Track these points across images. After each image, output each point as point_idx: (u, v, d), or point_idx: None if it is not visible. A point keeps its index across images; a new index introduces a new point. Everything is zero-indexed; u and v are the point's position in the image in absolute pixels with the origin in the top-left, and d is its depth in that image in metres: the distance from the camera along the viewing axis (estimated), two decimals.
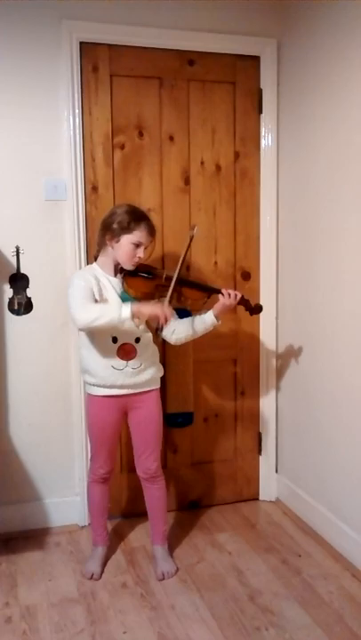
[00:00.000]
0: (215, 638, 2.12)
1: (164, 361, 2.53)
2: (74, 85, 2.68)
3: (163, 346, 2.53)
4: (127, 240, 2.29)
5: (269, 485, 3.19)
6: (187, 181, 2.92)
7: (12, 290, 2.73)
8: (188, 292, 2.38)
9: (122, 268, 2.34)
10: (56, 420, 2.86)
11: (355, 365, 2.47)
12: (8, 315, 2.74)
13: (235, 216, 3.01)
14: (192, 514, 3.05)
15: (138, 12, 2.72)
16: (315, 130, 2.67)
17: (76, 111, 2.69)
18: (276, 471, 3.19)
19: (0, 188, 2.67)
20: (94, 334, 2.36)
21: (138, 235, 2.29)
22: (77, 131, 2.71)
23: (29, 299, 2.76)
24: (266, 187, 3.01)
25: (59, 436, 2.87)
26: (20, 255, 2.71)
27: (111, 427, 2.46)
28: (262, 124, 2.98)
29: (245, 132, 2.97)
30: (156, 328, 2.28)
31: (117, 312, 2.18)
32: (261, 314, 2.68)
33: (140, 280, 2.34)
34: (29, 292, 2.75)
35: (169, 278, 2.29)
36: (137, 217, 2.31)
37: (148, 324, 2.42)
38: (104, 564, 2.57)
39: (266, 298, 3.03)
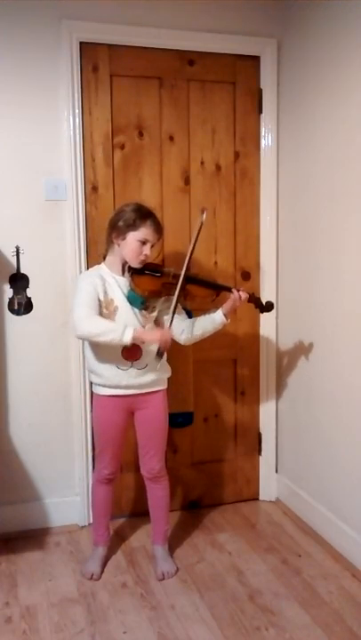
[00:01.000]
0: (215, 638, 2.12)
1: (165, 361, 2.52)
2: (74, 85, 2.68)
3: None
4: (133, 237, 2.30)
5: (269, 485, 3.19)
6: (187, 181, 2.92)
7: (12, 290, 2.73)
8: (197, 289, 2.38)
9: (129, 266, 2.34)
10: (56, 419, 2.86)
11: (355, 365, 2.47)
12: (8, 315, 2.74)
13: (235, 216, 3.01)
14: (192, 514, 3.05)
15: (138, 12, 2.72)
16: (315, 130, 2.67)
17: (76, 111, 2.70)
18: (276, 471, 3.19)
19: (0, 188, 2.67)
20: None
21: (144, 232, 2.30)
22: (77, 131, 2.71)
23: (29, 299, 2.76)
24: (266, 187, 3.01)
25: (59, 436, 2.87)
26: (20, 255, 2.71)
27: (116, 426, 2.45)
28: (262, 123, 2.98)
29: (245, 131, 2.97)
30: (157, 353, 2.30)
31: (120, 334, 2.21)
32: (267, 312, 2.67)
33: (148, 278, 2.34)
34: (29, 292, 2.75)
35: (176, 276, 2.29)
36: (143, 214, 2.31)
37: (156, 321, 2.42)
38: (104, 565, 2.57)
39: (266, 298, 3.01)
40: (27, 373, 2.79)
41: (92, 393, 2.53)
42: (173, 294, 2.26)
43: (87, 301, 2.27)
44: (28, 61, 2.64)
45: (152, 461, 2.50)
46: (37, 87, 2.66)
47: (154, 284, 2.33)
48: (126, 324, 2.25)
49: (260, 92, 2.96)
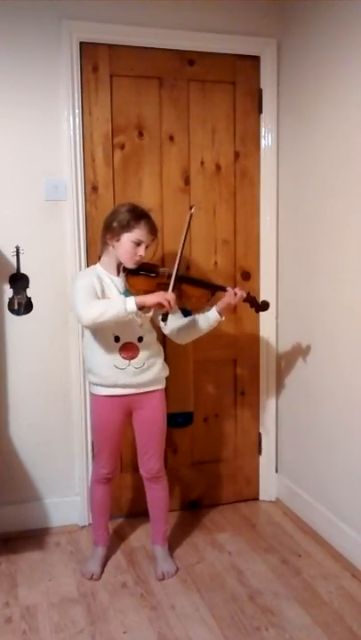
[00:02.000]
0: (215, 638, 2.12)
1: (165, 360, 2.53)
2: (74, 85, 2.68)
3: (163, 345, 2.53)
4: (127, 238, 2.29)
5: (269, 485, 3.19)
6: (187, 181, 2.92)
7: (12, 290, 2.73)
8: (192, 289, 2.38)
9: (124, 267, 2.34)
10: (56, 420, 2.86)
11: (355, 365, 2.47)
12: (8, 315, 2.74)
13: (235, 216, 3.01)
14: (192, 514, 3.05)
15: (138, 12, 2.72)
16: (315, 130, 2.67)
17: (76, 111, 2.70)
18: (276, 471, 3.19)
19: (0, 188, 2.67)
20: (97, 334, 2.36)
21: (138, 233, 2.29)
22: (77, 131, 2.71)
23: (29, 299, 2.76)
24: (266, 187, 3.01)
25: (59, 436, 2.87)
26: (20, 255, 2.71)
27: (114, 427, 2.45)
28: (262, 124, 2.98)
29: (245, 131, 2.97)
30: (162, 318, 2.27)
31: (122, 305, 2.18)
32: (262, 313, 2.68)
33: (143, 279, 2.34)
34: (29, 292, 2.75)
35: (171, 276, 2.29)
36: (137, 215, 2.31)
37: (152, 321, 2.42)
38: (104, 565, 2.57)
39: (266, 298, 3.01)
40: (27, 373, 2.79)
41: (91, 393, 2.52)
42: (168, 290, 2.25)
43: (85, 293, 2.27)
44: (28, 61, 2.64)
45: (151, 461, 2.50)
46: (37, 87, 2.66)
47: (149, 284, 2.33)
48: (125, 297, 2.23)
49: (260, 92, 2.96)
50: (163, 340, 2.51)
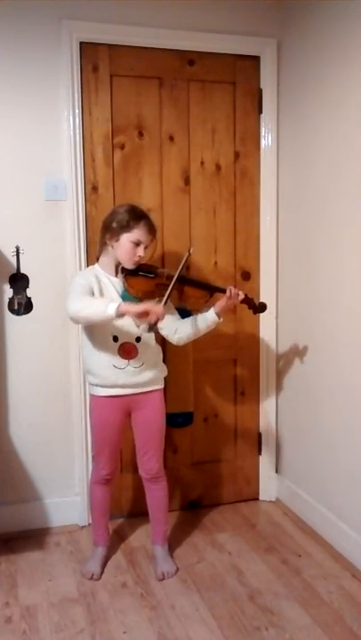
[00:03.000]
0: (215, 638, 2.12)
1: (163, 361, 2.53)
2: (74, 85, 2.68)
3: (163, 346, 2.53)
4: (126, 239, 2.29)
5: (269, 485, 3.19)
6: (187, 181, 2.92)
7: (12, 290, 2.73)
8: (190, 290, 2.38)
9: (123, 267, 2.34)
10: (56, 420, 2.86)
11: (355, 365, 2.47)
12: (8, 315, 2.74)
13: (235, 216, 3.01)
14: (192, 514, 3.05)
15: (138, 12, 2.72)
16: (315, 130, 2.67)
17: (76, 111, 2.70)
18: (276, 471, 3.19)
19: (0, 188, 2.67)
20: (95, 333, 2.36)
21: (137, 233, 2.29)
22: (77, 131, 2.71)
23: (29, 299, 2.76)
24: (266, 187, 3.01)
25: (59, 436, 2.87)
26: (20, 255, 2.71)
27: (113, 427, 2.45)
28: (262, 124, 2.98)
29: (245, 132, 2.97)
30: (148, 329, 2.20)
31: (104, 307, 2.15)
32: (262, 314, 2.68)
33: (141, 279, 2.34)
34: (29, 292, 2.75)
35: (170, 277, 2.29)
36: (136, 215, 2.31)
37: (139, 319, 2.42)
38: (104, 565, 2.57)
39: (266, 298, 3.02)
40: (27, 373, 2.79)
41: (90, 394, 2.52)
42: (165, 296, 2.25)
43: (79, 290, 2.27)
44: (28, 61, 2.64)
45: (150, 462, 2.50)
46: (37, 87, 2.66)
47: (148, 284, 2.32)
48: (113, 299, 2.22)
49: (260, 92, 2.96)
50: (162, 340, 2.51)
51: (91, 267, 2.47)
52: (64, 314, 2.73)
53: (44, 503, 2.88)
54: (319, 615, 2.23)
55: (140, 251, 2.31)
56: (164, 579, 2.48)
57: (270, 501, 3.18)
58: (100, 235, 2.40)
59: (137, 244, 2.30)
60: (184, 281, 2.37)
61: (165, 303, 2.21)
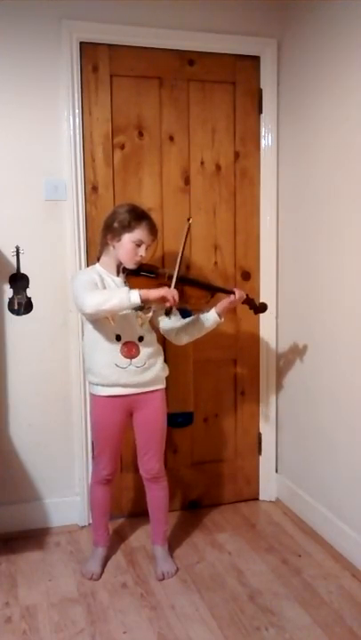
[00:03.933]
0: (215, 638, 2.12)
1: (164, 360, 2.53)
2: (74, 85, 2.68)
3: (163, 345, 2.53)
4: (128, 239, 2.29)
5: (269, 485, 3.19)
6: (187, 181, 2.92)
7: (12, 290, 2.73)
8: (191, 290, 2.38)
9: (124, 267, 2.34)
10: (56, 420, 2.86)
11: (355, 365, 2.47)
12: (8, 315, 2.74)
13: (235, 216, 3.01)
14: (192, 514, 3.05)
15: (138, 12, 2.72)
16: (315, 130, 2.67)
17: (76, 111, 2.70)
18: (276, 471, 3.19)
19: (0, 188, 2.67)
20: (98, 332, 2.35)
21: (139, 233, 2.29)
22: (77, 131, 2.71)
23: (29, 299, 2.76)
24: (266, 187, 3.01)
25: (59, 436, 2.87)
26: (20, 255, 2.71)
27: (115, 427, 2.45)
28: (262, 124, 2.98)
29: (245, 131, 2.97)
30: (165, 312, 2.24)
31: (126, 295, 2.16)
32: (262, 314, 2.68)
33: (143, 279, 2.33)
34: (29, 292, 2.75)
35: (171, 277, 2.29)
36: (138, 215, 2.31)
37: (152, 322, 2.42)
38: (104, 565, 2.57)
39: (266, 298, 3.02)
40: (27, 373, 2.79)
41: (91, 394, 2.52)
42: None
43: (87, 285, 2.27)
44: (28, 61, 2.64)
45: (151, 462, 2.50)
46: (37, 87, 2.66)
47: (149, 284, 2.32)
48: (129, 289, 2.21)
49: (260, 92, 2.96)
50: (162, 340, 2.51)
51: (91, 266, 2.47)
52: (64, 314, 2.76)
53: (44, 503, 2.88)
54: (319, 615, 2.23)
55: (142, 251, 2.31)
56: (164, 579, 2.48)
57: (270, 501, 3.18)
58: (100, 235, 2.40)
59: (138, 244, 2.30)
60: (185, 280, 2.37)
61: (175, 285, 2.23)
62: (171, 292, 2.19)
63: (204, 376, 3.06)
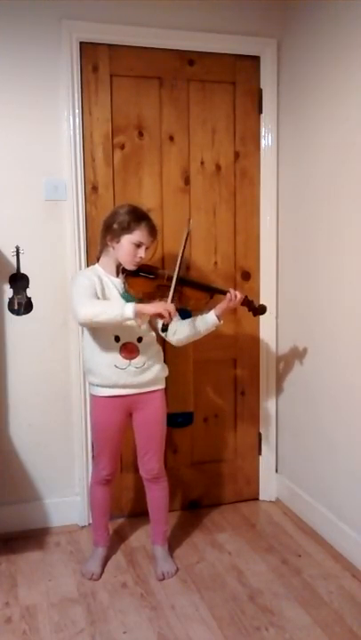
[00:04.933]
0: (215, 638, 2.12)
1: (164, 361, 2.53)
2: (74, 85, 2.68)
3: (163, 346, 2.53)
4: (128, 240, 2.29)
5: (269, 485, 3.19)
6: (187, 181, 2.92)
7: (12, 290, 2.73)
8: (190, 292, 2.38)
9: (123, 268, 2.34)
10: (56, 420, 2.86)
11: (355, 365, 2.47)
12: (8, 315, 2.74)
13: (235, 216, 3.01)
14: (192, 514, 3.05)
15: (138, 12, 2.72)
16: (315, 130, 2.67)
17: (76, 111, 2.70)
18: (276, 471, 3.19)
19: (0, 188, 2.67)
20: (96, 333, 2.36)
21: (138, 235, 2.29)
22: (77, 131, 2.71)
23: (29, 299, 2.76)
24: (266, 187, 3.01)
25: (59, 437, 2.87)
26: (20, 255, 2.71)
27: (114, 428, 2.45)
28: (262, 124, 2.98)
29: (245, 132, 2.97)
30: (162, 329, 2.27)
31: (120, 310, 2.17)
32: (261, 315, 2.68)
33: (142, 280, 2.34)
34: (29, 292, 2.75)
35: (171, 278, 2.29)
36: (137, 217, 2.31)
37: (151, 323, 2.42)
38: (104, 565, 2.57)
39: (266, 298, 3.03)
40: (27, 373, 2.79)
41: (91, 394, 2.52)
42: (167, 296, 2.25)
43: (85, 291, 2.27)
44: (28, 61, 2.64)
45: (151, 462, 2.50)
46: (37, 87, 2.66)
47: (148, 285, 2.33)
48: (125, 302, 2.22)
49: (260, 92, 2.96)
50: (162, 340, 2.51)
51: (91, 267, 2.47)
52: (64, 314, 2.75)
53: (44, 503, 2.88)
54: (319, 615, 2.23)
55: (141, 252, 2.31)
56: (164, 579, 2.48)
57: (270, 501, 3.18)
58: (100, 235, 2.40)
59: (138, 245, 2.30)
60: (184, 282, 2.37)
61: (172, 300, 2.23)
62: (167, 309, 2.19)
63: (204, 376, 3.06)
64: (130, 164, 2.84)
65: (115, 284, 2.36)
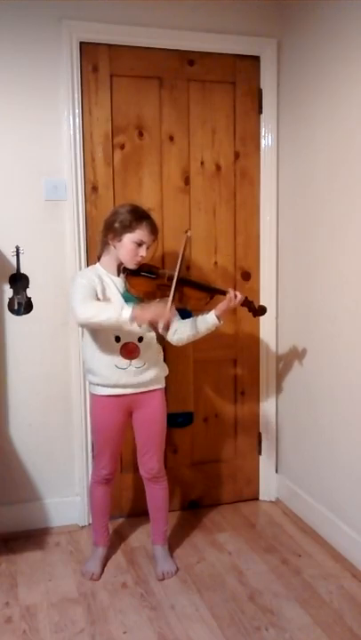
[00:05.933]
0: (215, 638, 2.12)
1: (164, 361, 2.53)
2: (74, 85, 2.68)
3: (163, 346, 2.53)
4: (129, 239, 2.30)
5: (269, 485, 3.19)
6: (187, 181, 2.92)
7: (12, 290, 2.73)
8: (191, 291, 2.38)
9: (124, 267, 2.35)
10: (56, 420, 2.86)
11: (355, 365, 2.47)
12: (8, 315, 2.74)
13: (235, 216, 3.01)
14: (192, 514, 3.05)
15: (138, 12, 2.72)
16: (315, 130, 2.67)
17: (76, 111, 2.70)
18: (276, 471, 3.19)
19: (0, 188, 2.67)
20: (97, 334, 2.36)
21: (139, 233, 2.30)
22: (77, 131, 2.71)
23: (29, 299, 2.76)
24: (266, 187, 3.01)
25: (59, 437, 2.87)
26: (20, 255, 2.72)
27: (115, 427, 2.45)
28: (262, 124, 2.98)
29: (245, 132, 2.97)
30: (163, 329, 2.26)
31: (117, 312, 2.18)
32: (261, 316, 2.68)
33: (143, 279, 2.34)
34: (29, 292, 2.75)
35: (171, 278, 2.29)
36: (138, 216, 2.31)
37: (151, 324, 2.42)
38: (104, 565, 2.57)
39: (266, 298, 3.03)
40: (27, 373, 2.79)
41: (91, 393, 2.52)
42: (168, 295, 2.25)
43: (84, 292, 2.27)
44: (28, 61, 2.64)
45: (151, 461, 2.50)
46: (37, 87, 2.66)
47: (149, 285, 2.33)
48: (124, 305, 2.23)
49: (260, 92, 2.96)
50: (162, 340, 2.51)
51: (92, 266, 2.47)
52: (64, 314, 2.75)
53: (44, 503, 2.88)
54: (319, 615, 2.23)
55: (143, 251, 2.31)
56: (164, 579, 2.48)
57: (270, 501, 3.18)
58: (101, 234, 2.40)
59: (139, 244, 2.30)
60: (185, 282, 2.38)
61: (173, 300, 2.23)
62: (165, 316, 2.19)
63: (204, 376, 3.06)
64: (130, 163, 2.84)
65: (115, 284, 2.36)
